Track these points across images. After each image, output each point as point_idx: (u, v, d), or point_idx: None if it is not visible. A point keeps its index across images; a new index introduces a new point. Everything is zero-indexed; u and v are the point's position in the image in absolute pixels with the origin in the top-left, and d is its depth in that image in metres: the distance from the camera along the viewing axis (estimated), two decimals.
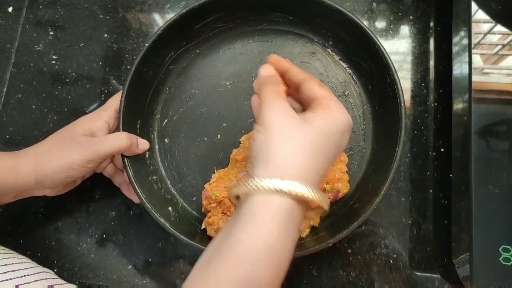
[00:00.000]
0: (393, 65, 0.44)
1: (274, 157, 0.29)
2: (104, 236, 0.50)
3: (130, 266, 0.48)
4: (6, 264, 0.39)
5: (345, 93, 0.50)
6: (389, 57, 0.44)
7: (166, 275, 0.48)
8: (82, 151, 0.40)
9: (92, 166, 0.42)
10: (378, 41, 0.44)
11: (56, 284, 0.40)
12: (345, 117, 0.32)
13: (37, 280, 0.39)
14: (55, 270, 0.48)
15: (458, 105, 0.46)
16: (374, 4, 0.56)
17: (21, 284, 0.37)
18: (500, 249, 0.37)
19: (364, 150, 0.48)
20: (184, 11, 0.47)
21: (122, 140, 0.42)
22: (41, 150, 0.42)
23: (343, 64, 0.50)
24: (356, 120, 0.49)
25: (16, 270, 0.39)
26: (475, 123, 0.41)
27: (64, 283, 0.42)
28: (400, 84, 0.43)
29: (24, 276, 0.39)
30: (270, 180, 0.28)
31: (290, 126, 0.30)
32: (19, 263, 0.41)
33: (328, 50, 0.51)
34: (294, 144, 0.29)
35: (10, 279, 0.37)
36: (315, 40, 0.51)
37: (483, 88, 0.43)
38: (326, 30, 0.50)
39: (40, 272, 0.41)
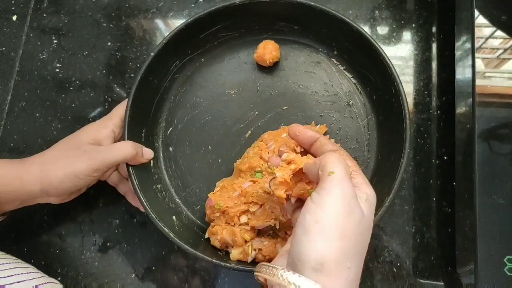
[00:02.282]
0: (398, 76, 0.44)
1: (328, 260, 0.27)
2: (108, 244, 0.50)
3: (133, 275, 0.48)
4: (11, 275, 0.39)
5: (350, 103, 0.50)
6: (394, 67, 0.44)
7: (169, 283, 0.48)
8: (88, 160, 0.41)
9: (98, 175, 0.42)
10: (383, 51, 0.45)
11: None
12: (374, 194, 0.31)
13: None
14: (59, 278, 0.48)
15: (461, 110, 0.46)
16: (377, 11, 0.56)
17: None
18: (505, 260, 0.37)
19: (368, 161, 0.48)
20: (189, 20, 0.47)
21: (127, 149, 0.42)
22: (47, 159, 0.42)
23: (348, 74, 0.51)
24: (360, 130, 0.49)
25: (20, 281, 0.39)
26: (478, 127, 0.41)
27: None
28: (405, 95, 0.43)
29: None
30: None
31: (352, 223, 0.28)
32: (24, 273, 0.41)
33: (333, 60, 0.51)
34: (350, 247, 0.27)
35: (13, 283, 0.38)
36: (320, 49, 0.52)
37: (486, 92, 0.43)
38: (331, 40, 0.50)
39: (45, 283, 0.41)
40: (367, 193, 0.30)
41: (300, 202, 0.36)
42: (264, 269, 0.30)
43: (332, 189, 0.28)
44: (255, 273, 0.32)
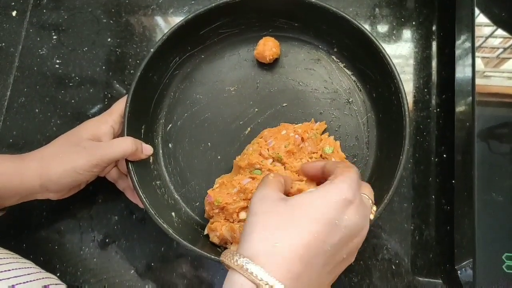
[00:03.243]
0: (398, 74, 0.44)
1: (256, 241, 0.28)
2: (107, 240, 0.50)
3: (132, 271, 0.48)
4: (9, 270, 0.39)
5: (349, 100, 0.50)
6: (394, 65, 0.44)
7: (168, 280, 0.48)
8: (88, 156, 0.41)
9: (97, 171, 0.42)
10: (383, 49, 0.44)
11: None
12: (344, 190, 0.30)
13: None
14: (58, 274, 0.48)
15: (460, 109, 0.47)
16: (377, 9, 0.56)
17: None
18: (503, 257, 0.37)
19: (367, 158, 0.48)
20: (190, 16, 0.47)
21: (127, 145, 0.42)
22: (46, 154, 0.42)
23: (348, 71, 0.51)
24: (360, 128, 0.49)
25: (18, 276, 0.39)
26: (478, 126, 0.41)
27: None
28: (405, 93, 0.43)
29: (27, 282, 0.39)
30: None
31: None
32: (21, 268, 0.40)
33: (333, 57, 0.51)
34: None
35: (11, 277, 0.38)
36: (320, 46, 0.51)
37: (485, 91, 0.43)
38: (331, 37, 0.50)
39: (43, 278, 0.41)
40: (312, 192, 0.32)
41: None
42: (224, 255, 0.30)
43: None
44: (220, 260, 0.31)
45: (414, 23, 0.56)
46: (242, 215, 0.42)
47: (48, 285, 0.39)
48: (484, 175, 0.40)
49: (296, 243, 0.28)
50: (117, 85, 0.55)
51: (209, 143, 0.50)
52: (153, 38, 0.57)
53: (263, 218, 0.29)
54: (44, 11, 0.59)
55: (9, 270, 0.39)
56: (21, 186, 0.41)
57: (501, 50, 0.45)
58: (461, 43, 0.49)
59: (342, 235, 0.29)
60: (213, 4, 0.47)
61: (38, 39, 0.58)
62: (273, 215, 0.29)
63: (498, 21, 0.46)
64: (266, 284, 0.26)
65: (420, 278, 0.47)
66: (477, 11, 0.45)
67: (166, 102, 0.51)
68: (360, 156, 0.48)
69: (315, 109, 0.50)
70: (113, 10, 0.58)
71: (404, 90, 0.44)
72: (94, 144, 0.42)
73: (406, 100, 0.43)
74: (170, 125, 0.51)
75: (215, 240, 0.44)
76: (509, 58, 0.45)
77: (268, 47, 0.49)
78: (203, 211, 0.46)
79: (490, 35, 0.45)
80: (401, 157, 0.42)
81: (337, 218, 0.29)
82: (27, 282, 0.39)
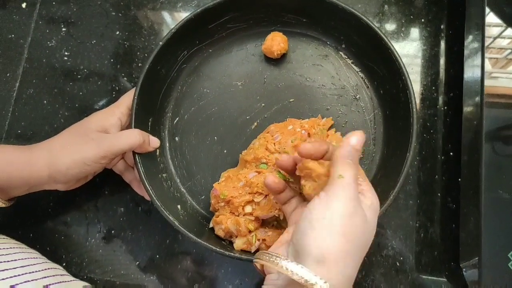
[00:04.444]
0: (406, 70, 0.44)
1: (329, 255, 0.29)
2: (113, 232, 0.50)
3: (137, 262, 0.49)
4: (15, 260, 0.39)
5: (357, 96, 0.50)
6: (402, 62, 0.44)
7: (173, 272, 0.48)
8: (96, 147, 0.41)
9: (105, 162, 0.42)
10: (392, 45, 0.44)
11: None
12: (378, 202, 0.33)
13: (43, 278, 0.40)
14: (64, 265, 0.49)
15: (468, 109, 0.46)
16: (386, 6, 0.56)
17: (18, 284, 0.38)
18: (509, 255, 0.37)
19: (374, 155, 0.48)
20: (198, 10, 0.47)
21: (135, 137, 0.42)
22: (55, 145, 0.42)
23: (355, 67, 0.51)
24: (366, 124, 0.49)
25: (24, 266, 0.39)
26: (486, 127, 0.41)
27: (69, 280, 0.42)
28: (413, 90, 0.43)
29: (33, 272, 0.39)
30: (321, 281, 0.28)
31: (354, 224, 0.30)
32: (27, 258, 0.41)
33: (341, 53, 0.51)
34: (350, 245, 0.29)
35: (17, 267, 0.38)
36: (328, 43, 0.51)
37: (494, 92, 0.43)
38: (339, 33, 0.50)
39: (48, 269, 0.41)
40: (372, 201, 0.32)
41: (295, 198, 0.38)
42: (266, 257, 0.31)
43: (340, 192, 0.30)
44: (255, 260, 0.33)
45: (423, 20, 0.55)
46: (248, 208, 0.43)
47: (48, 285, 0.39)
48: (491, 174, 0.40)
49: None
50: (125, 78, 0.56)
51: (215, 137, 0.50)
52: (161, 31, 0.57)
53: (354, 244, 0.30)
54: (54, 3, 0.59)
55: (15, 260, 0.39)
56: (29, 176, 0.41)
57: (509, 51, 0.45)
58: (470, 42, 0.49)
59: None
60: None
61: (47, 31, 0.58)
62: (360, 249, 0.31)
63: (509, 20, 0.45)
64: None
65: (424, 276, 0.47)
66: (487, 10, 0.45)
67: (174, 95, 0.51)
68: (367, 153, 0.48)
69: (322, 105, 0.50)
70: (122, 4, 0.59)
71: (412, 88, 0.43)
72: (102, 136, 0.42)
73: (414, 97, 0.43)
74: (177, 119, 0.51)
75: (220, 233, 0.44)
76: None
77: (276, 42, 0.49)
78: (208, 204, 0.47)
79: (499, 36, 0.45)
80: (407, 154, 0.42)
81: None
82: (33, 272, 0.39)
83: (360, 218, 0.30)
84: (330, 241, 0.29)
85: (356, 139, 0.32)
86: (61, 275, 0.42)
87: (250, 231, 0.42)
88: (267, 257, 0.31)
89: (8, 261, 0.38)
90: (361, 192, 0.32)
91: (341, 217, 0.29)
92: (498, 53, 0.45)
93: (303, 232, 0.30)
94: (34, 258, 0.42)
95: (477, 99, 0.43)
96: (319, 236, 0.29)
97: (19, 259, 0.40)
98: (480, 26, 0.45)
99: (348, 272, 0.29)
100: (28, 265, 0.40)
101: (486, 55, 0.44)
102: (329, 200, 0.30)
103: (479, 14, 0.45)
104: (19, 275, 0.37)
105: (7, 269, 0.37)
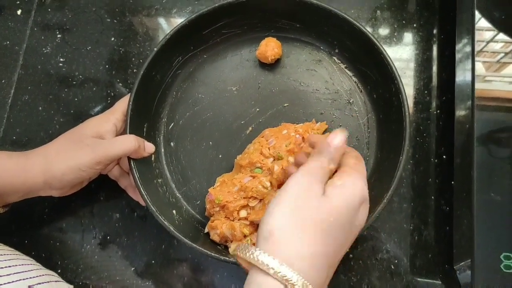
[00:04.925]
0: (398, 75, 0.44)
1: (274, 228, 0.29)
2: (108, 237, 0.50)
3: (133, 268, 0.49)
4: (9, 266, 0.39)
5: (350, 101, 0.50)
6: (394, 66, 0.44)
7: (168, 277, 0.48)
8: (91, 153, 0.41)
9: (100, 168, 0.42)
10: (384, 50, 0.45)
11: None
12: (360, 189, 0.31)
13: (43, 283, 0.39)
14: (59, 271, 0.48)
15: (460, 112, 0.47)
16: (378, 11, 0.57)
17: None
18: (501, 257, 0.38)
19: (367, 159, 0.48)
20: (193, 16, 0.48)
21: (130, 143, 0.43)
22: (50, 151, 0.42)
23: (349, 72, 0.51)
24: (360, 128, 0.49)
25: (19, 273, 0.39)
26: (477, 130, 0.42)
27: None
28: (405, 94, 0.44)
29: (27, 279, 0.39)
30: (267, 257, 0.28)
31: (303, 199, 0.29)
32: (22, 264, 0.41)
33: (334, 58, 0.52)
34: (299, 219, 0.29)
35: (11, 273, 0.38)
36: (322, 48, 0.52)
37: (485, 95, 0.43)
38: (332, 38, 0.51)
39: (42, 275, 0.41)
40: (344, 181, 0.31)
41: None
42: (238, 248, 0.31)
43: (297, 177, 0.31)
44: (235, 257, 0.32)
45: (415, 25, 0.56)
46: (243, 213, 0.43)
47: (32, 285, 0.39)
48: (483, 176, 0.40)
49: (335, 257, 0.30)
50: (120, 84, 0.56)
51: (210, 142, 0.50)
52: (156, 37, 0.58)
53: (296, 213, 0.29)
54: (49, 10, 0.59)
55: (9, 266, 0.39)
56: (24, 182, 0.41)
57: (502, 54, 0.46)
58: (462, 47, 0.49)
59: (355, 233, 0.32)
60: (216, 5, 0.48)
61: (43, 38, 0.58)
62: (313, 222, 0.29)
63: (498, 24, 0.46)
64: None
65: (419, 279, 0.47)
66: (477, 14, 0.46)
67: (169, 101, 0.52)
68: None
69: (316, 110, 0.50)
70: (117, 10, 0.59)
71: (405, 92, 0.44)
72: (97, 142, 0.43)
73: (407, 101, 0.44)
74: (172, 124, 0.51)
75: (215, 238, 0.44)
76: (510, 63, 0.45)
77: (270, 47, 0.50)
78: (204, 209, 0.47)
79: (492, 40, 0.46)
80: (400, 157, 0.42)
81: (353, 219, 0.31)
82: (27, 279, 0.39)
83: (314, 193, 0.30)
84: (278, 216, 0.29)
85: (332, 138, 0.32)
86: (55, 281, 0.42)
87: (245, 236, 0.42)
88: (239, 247, 0.31)
89: (2, 268, 0.38)
90: (340, 174, 0.32)
91: (290, 195, 0.29)
92: (490, 57, 0.45)
93: (262, 218, 0.30)
94: (28, 264, 0.41)
95: (469, 102, 0.44)
96: (268, 214, 0.29)
97: (13, 266, 0.40)
98: (471, 31, 0.46)
99: (303, 249, 0.28)
100: (23, 272, 0.40)
101: (478, 59, 0.44)
102: (287, 181, 0.31)
103: (469, 19, 0.46)
104: (13, 281, 0.37)
105: (1, 276, 0.37)
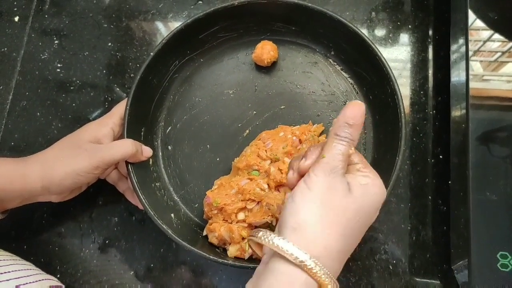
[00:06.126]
0: (393, 76, 0.44)
1: (304, 222, 0.29)
2: (107, 242, 0.50)
3: (132, 272, 0.49)
4: (8, 272, 0.39)
5: (346, 102, 0.50)
6: (389, 67, 0.45)
7: (167, 281, 0.48)
8: (89, 158, 0.41)
9: (98, 173, 0.42)
10: (379, 52, 0.45)
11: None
12: (383, 192, 0.31)
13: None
14: (58, 276, 0.48)
15: (456, 112, 0.47)
16: (373, 13, 0.57)
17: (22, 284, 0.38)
18: (498, 255, 0.38)
19: None
20: (189, 21, 0.48)
21: (128, 147, 0.43)
22: (48, 157, 0.42)
23: (345, 74, 0.51)
24: None
25: (18, 278, 0.39)
26: (472, 129, 0.42)
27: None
28: (401, 95, 0.44)
29: (27, 283, 0.39)
30: (298, 250, 0.28)
31: (332, 195, 0.29)
32: (21, 269, 0.41)
33: (330, 60, 0.52)
34: (327, 216, 0.29)
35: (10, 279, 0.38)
36: (317, 50, 0.52)
37: (481, 94, 0.43)
38: (328, 41, 0.51)
39: (42, 280, 0.41)
40: (368, 182, 0.31)
41: None
42: (253, 234, 0.31)
43: (319, 171, 0.30)
44: (248, 240, 0.33)
45: (410, 26, 0.56)
46: (241, 215, 0.43)
47: (19, 285, 0.39)
48: (478, 176, 0.40)
49: (350, 251, 0.31)
50: (118, 89, 0.56)
51: (208, 145, 0.50)
52: (153, 42, 0.58)
53: (328, 212, 0.29)
54: (46, 16, 0.60)
55: (9, 271, 0.39)
56: (23, 188, 0.41)
57: (499, 53, 0.46)
58: (456, 47, 0.50)
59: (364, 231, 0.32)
60: (212, 9, 0.48)
61: (40, 44, 0.58)
62: (339, 217, 0.30)
63: (492, 24, 0.46)
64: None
65: (417, 279, 0.47)
66: (471, 14, 0.46)
67: (166, 105, 0.52)
68: None
69: (313, 112, 0.51)
70: (113, 15, 0.59)
71: (400, 92, 0.44)
72: (95, 147, 0.43)
73: (402, 102, 0.44)
74: (169, 128, 0.51)
75: (213, 240, 0.44)
76: (507, 62, 0.45)
77: (266, 50, 0.50)
78: (202, 212, 0.47)
79: (489, 39, 0.46)
80: (397, 158, 0.42)
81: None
82: (27, 283, 0.39)
83: (340, 191, 0.30)
84: (306, 209, 0.29)
85: (350, 111, 0.31)
86: (55, 286, 0.42)
87: (243, 238, 0.43)
88: (254, 233, 0.31)
89: (2, 273, 0.38)
90: (363, 172, 0.32)
91: (317, 190, 0.29)
92: (488, 55, 0.46)
93: (284, 207, 0.30)
94: (28, 269, 0.42)
95: (464, 102, 0.44)
96: (296, 207, 0.29)
97: (13, 271, 0.40)
98: (465, 32, 0.46)
99: (330, 244, 0.29)
100: (22, 277, 0.40)
101: (476, 58, 0.45)
102: (308, 179, 0.30)
103: (463, 20, 0.46)
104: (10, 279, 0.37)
105: (0, 281, 0.37)
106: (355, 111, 0.31)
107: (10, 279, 0.39)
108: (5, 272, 0.39)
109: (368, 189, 0.31)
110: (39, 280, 0.41)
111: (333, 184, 0.30)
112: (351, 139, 0.31)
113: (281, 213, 0.31)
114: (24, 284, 0.39)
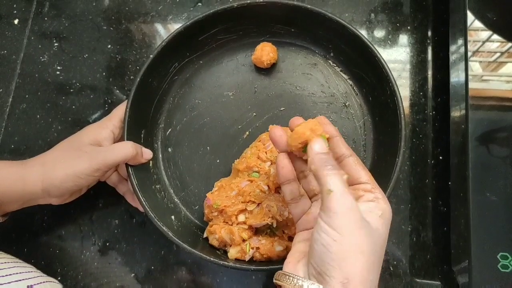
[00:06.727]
0: (393, 77, 0.45)
1: (353, 275, 0.28)
2: (107, 244, 0.50)
3: (132, 274, 0.49)
4: (16, 273, 0.39)
5: (346, 104, 0.51)
6: (389, 69, 0.45)
7: (168, 283, 0.48)
8: (89, 160, 0.41)
9: (98, 175, 0.42)
10: (378, 53, 0.45)
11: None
12: (390, 210, 0.32)
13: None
14: (59, 278, 0.48)
15: (455, 113, 0.47)
16: (373, 14, 0.57)
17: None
18: (498, 256, 0.38)
19: (364, 161, 0.48)
20: (188, 23, 0.48)
21: (128, 149, 0.43)
22: (48, 159, 0.42)
23: (344, 75, 0.51)
24: (357, 131, 0.50)
25: (19, 280, 0.39)
26: (472, 130, 0.42)
27: None
28: (400, 96, 0.44)
29: (28, 286, 0.39)
30: None
31: (365, 236, 0.29)
32: (23, 272, 0.41)
33: (329, 61, 0.52)
34: (369, 260, 0.28)
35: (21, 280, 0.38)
36: (317, 51, 0.52)
37: (480, 95, 0.43)
38: (327, 42, 0.51)
39: (43, 282, 0.41)
40: (383, 209, 0.31)
41: (303, 200, 0.37)
42: (287, 280, 0.30)
43: (338, 208, 0.28)
44: (275, 281, 0.32)
45: (409, 27, 0.56)
46: (241, 217, 0.43)
47: (32, 285, 0.39)
48: (478, 176, 0.41)
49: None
50: (117, 91, 0.56)
51: (208, 147, 0.50)
52: (153, 44, 0.58)
53: (367, 254, 0.29)
54: (46, 19, 0.60)
55: (10, 274, 0.39)
56: (23, 191, 0.41)
57: (498, 54, 0.46)
58: (455, 48, 0.50)
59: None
60: (211, 11, 0.48)
61: (40, 46, 0.59)
62: (375, 257, 0.29)
63: (491, 25, 0.46)
64: None
65: (418, 279, 0.47)
66: (470, 15, 0.46)
67: (166, 107, 0.52)
68: None
69: (313, 113, 0.51)
70: (113, 18, 0.59)
71: (400, 93, 0.44)
72: (95, 149, 0.43)
73: (402, 103, 0.44)
74: (169, 130, 0.51)
75: (214, 242, 0.44)
76: (506, 62, 0.45)
77: (265, 52, 0.50)
78: (202, 214, 0.47)
79: (487, 40, 0.46)
80: (397, 159, 0.42)
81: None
82: (28, 286, 0.39)
83: (369, 230, 0.29)
84: (351, 262, 0.28)
85: (317, 146, 0.30)
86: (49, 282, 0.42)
87: (243, 240, 0.43)
88: (289, 280, 0.30)
89: (3, 276, 0.38)
90: (374, 200, 0.32)
91: (351, 235, 0.28)
92: (488, 56, 0.46)
93: (320, 255, 0.29)
94: (29, 272, 0.42)
95: (463, 103, 0.44)
96: (338, 258, 0.28)
97: (14, 274, 0.40)
98: (464, 32, 0.46)
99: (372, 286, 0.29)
100: (23, 279, 0.40)
101: (476, 58, 0.45)
102: (331, 221, 0.28)
103: (462, 20, 0.46)
104: (12, 282, 0.37)
105: (1, 284, 0.37)
106: (319, 145, 0.31)
107: (21, 280, 0.39)
108: (13, 274, 0.39)
109: (385, 218, 0.31)
110: (44, 282, 0.41)
111: (362, 224, 0.29)
112: (335, 166, 0.30)
113: (312, 254, 0.30)
114: (36, 284, 0.39)
